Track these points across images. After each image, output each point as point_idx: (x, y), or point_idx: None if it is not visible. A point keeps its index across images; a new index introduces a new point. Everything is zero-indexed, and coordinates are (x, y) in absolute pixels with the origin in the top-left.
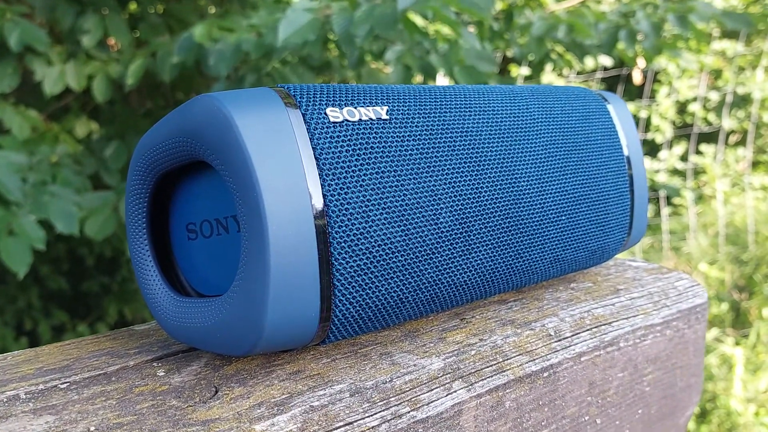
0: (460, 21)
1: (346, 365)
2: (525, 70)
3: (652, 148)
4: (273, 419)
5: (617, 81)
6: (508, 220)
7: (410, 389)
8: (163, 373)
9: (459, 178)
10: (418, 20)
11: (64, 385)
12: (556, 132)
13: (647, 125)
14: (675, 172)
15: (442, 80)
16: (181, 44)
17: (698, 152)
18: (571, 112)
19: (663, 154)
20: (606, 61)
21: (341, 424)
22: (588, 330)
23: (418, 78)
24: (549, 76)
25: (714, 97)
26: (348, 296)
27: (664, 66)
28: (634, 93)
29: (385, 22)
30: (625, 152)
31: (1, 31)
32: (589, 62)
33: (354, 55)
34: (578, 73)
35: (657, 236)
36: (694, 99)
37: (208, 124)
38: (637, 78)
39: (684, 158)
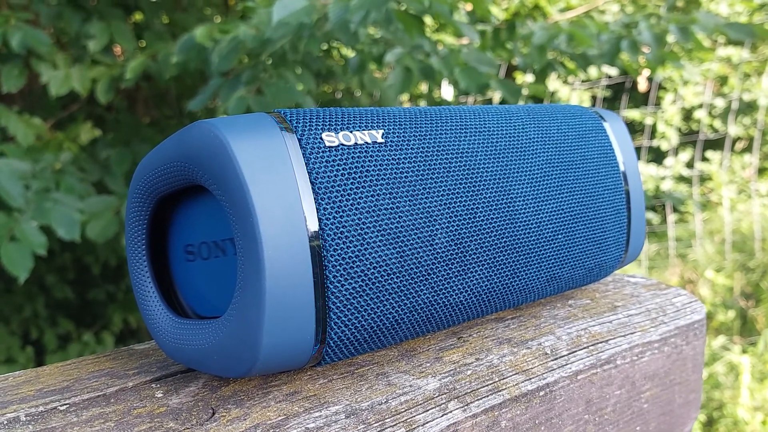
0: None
1: (342, 386)
2: (529, 78)
3: (657, 155)
4: None
5: (622, 88)
6: (504, 240)
7: (405, 410)
8: (161, 395)
9: (455, 199)
10: (427, 20)
11: (64, 407)
12: (552, 151)
13: (653, 132)
14: (681, 178)
15: (444, 85)
16: (182, 45)
17: (704, 159)
18: (567, 131)
19: (669, 161)
20: (610, 69)
21: None
22: (585, 348)
23: (421, 91)
24: (554, 84)
25: (720, 103)
26: (343, 319)
27: (668, 74)
28: (639, 100)
29: (378, 2)
30: (622, 169)
31: (5, 36)
32: (594, 71)
33: (354, 61)
34: (583, 81)
35: (663, 243)
36: (700, 106)
37: (205, 150)
38: (642, 86)
39: (690, 165)
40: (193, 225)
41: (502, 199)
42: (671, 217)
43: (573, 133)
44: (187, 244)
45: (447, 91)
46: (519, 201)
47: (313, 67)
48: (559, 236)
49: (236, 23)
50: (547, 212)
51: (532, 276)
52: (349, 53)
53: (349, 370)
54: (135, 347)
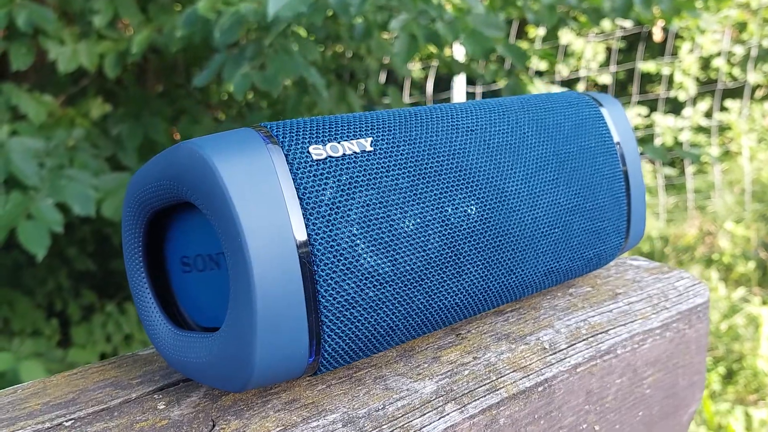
0: None
1: (340, 391)
2: (541, 31)
3: (675, 106)
4: None
5: (638, 39)
6: (499, 238)
7: (402, 415)
8: (163, 406)
9: (447, 202)
10: None
11: (69, 422)
12: (547, 144)
13: (670, 82)
14: (699, 129)
15: (456, 45)
16: (186, 18)
17: (723, 108)
18: (563, 122)
19: (687, 111)
20: (625, 21)
21: None
22: (584, 340)
23: (431, 51)
24: (567, 37)
25: (738, 51)
26: (337, 331)
27: (685, 23)
28: (655, 50)
29: None
30: (620, 157)
31: (11, 15)
32: (607, 23)
33: (359, 27)
34: (597, 33)
35: (681, 195)
36: (718, 54)
37: (192, 170)
38: (657, 36)
39: (708, 115)
40: (188, 237)
41: (496, 198)
42: (689, 169)
43: (569, 123)
44: (183, 255)
45: (459, 51)
46: (513, 198)
47: (318, 35)
48: (556, 230)
49: None
50: (542, 207)
51: (529, 272)
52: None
53: (348, 374)
54: (139, 353)
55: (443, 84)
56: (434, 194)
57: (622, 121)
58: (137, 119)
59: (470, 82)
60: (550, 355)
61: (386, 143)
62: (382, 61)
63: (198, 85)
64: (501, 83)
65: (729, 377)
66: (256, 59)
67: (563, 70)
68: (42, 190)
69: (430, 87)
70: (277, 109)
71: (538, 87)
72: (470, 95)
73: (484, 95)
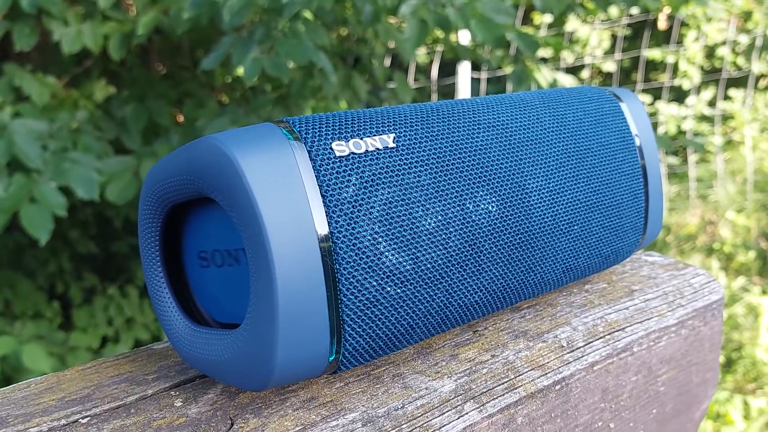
0: None
1: (358, 390)
2: (548, 18)
3: (679, 94)
4: None
5: (643, 26)
6: (519, 236)
7: (422, 414)
8: (180, 403)
9: (468, 200)
10: None
11: (85, 420)
12: (568, 140)
13: (674, 71)
14: (703, 118)
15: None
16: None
17: (727, 97)
18: (583, 117)
19: (690, 99)
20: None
21: None
22: (601, 338)
23: (437, 36)
24: (573, 23)
25: (743, 40)
26: (357, 329)
27: (691, 11)
28: (660, 38)
29: None
30: (639, 153)
31: None
32: (614, 9)
33: (368, 11)
34: (603, 21)
35: (684, 184)
36: (723, 43)
37: (213, 165)
38: (662, 23)
39: (712, 104)
40: (206, 232)
41: (517, 195)
42: (692, 158)
43: (589, 119)
44: (200, 250)
45: (464, 36)
46: (534, 195)
47: (327, 19)
48: (575, 227)
49: None
50: (562, 204)
51: (548, 269)
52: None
53: (365, 371)
54: (154, 347)
55: (448, 68)
56: (455, 192)
57: (641, 115)
58: (141, 102)
59: (475, 67)
60: (568, 353)
61: (408, 139)
62: (387, 46)
63: (206, 69)
64: (507, 69)
65: (728, 366)
66: (264, 43)
67: (568, 57)
68: (45, 173)
69: (435, 72)
70: (281, 93)
71: (545, 74)
72: (475, 81)
73: (489, 81)
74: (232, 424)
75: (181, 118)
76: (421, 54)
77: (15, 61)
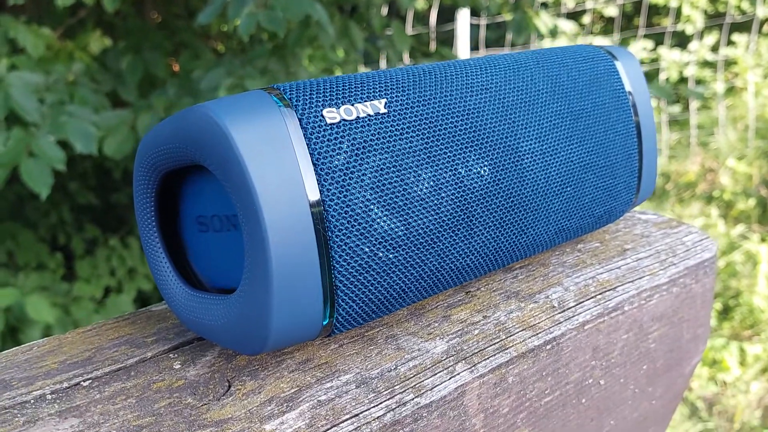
0: None
1: (352, 351)
2: None
3: (682, 40)
4: (282, 417)
5: None
6: (511, 199)
7: (414, 375)
8: (179, 366)
9: (460, 163)
10: None
11: (87, 382)
12: (562, 101)
13: (677, 15)
14: (705, 63)
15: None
16: None
17: (730, 42)
18: (578, 77)
19: (693, 45)
20: None
21: (347, 417)
22: (592, 298)
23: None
24: None
25: None
26: (350, 294)
27: None
28: None
29: None
30: (634, 111)
31: None
32: None
33: None
34: None
35: (685, 132)
36: None
37: (205, 134)
38: None
39: (715, 49)
40: (204, 197)
41: (510, 158)
42: (693, 105)
43: (584, 79)
44: (199, 215)
45: None
46: (527, 158)
47: None
48: (568, 189)
49: None
50: (555, 166)
51: (540, 231)
52: None
53: (359, 333)
54: (152, 308)
55: (446, 14)
56: (448, 156)
57: (637, 73)
58: (138, 53)
59: (474, 14)
60: (559, 313)
61: (400, 104)
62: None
63: (202, 22)
64: (507, 17)
65: (725, 313)
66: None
67: (569, 2)
68: (43, 127)
69: (433, 19)
70: (277, 43)
71: (545, 20)
72: (474, 27)
73: (489, 27)
74: (230, 386)
75: (177, 67)
76: (420, 0)
77: (9, 13)
